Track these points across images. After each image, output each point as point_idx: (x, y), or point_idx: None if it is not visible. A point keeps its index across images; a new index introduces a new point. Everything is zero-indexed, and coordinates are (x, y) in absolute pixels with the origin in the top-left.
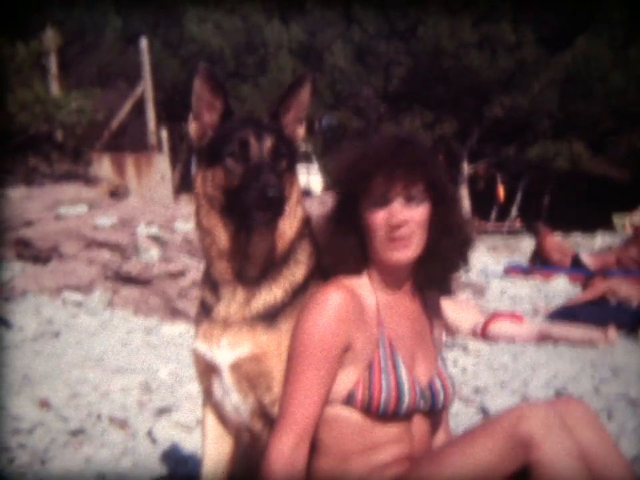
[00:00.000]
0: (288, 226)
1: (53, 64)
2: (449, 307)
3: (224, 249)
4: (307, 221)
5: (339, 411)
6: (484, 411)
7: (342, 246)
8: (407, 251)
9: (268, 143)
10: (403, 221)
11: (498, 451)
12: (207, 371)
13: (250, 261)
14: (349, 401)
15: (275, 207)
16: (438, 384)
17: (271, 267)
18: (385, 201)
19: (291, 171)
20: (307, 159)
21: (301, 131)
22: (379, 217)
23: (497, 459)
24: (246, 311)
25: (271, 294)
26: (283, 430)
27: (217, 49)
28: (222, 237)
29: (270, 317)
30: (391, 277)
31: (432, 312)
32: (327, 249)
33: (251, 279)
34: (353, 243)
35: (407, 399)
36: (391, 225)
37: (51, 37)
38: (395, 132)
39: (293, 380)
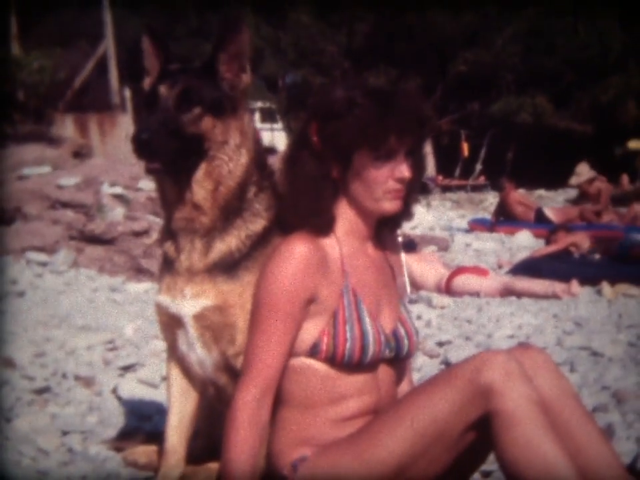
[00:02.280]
0: (226, 171)
1: (13, 24)
2: (413, 261)
3: (169, 197)
4: (266, 174)
5: (304, 362)
6: (448, 364)
7: (314, 199)
8: (400, 202)
9: (175, 89)
10: (409, 176)
11: (458, 400)
12: (170, 324)
13: (197, 210)
14: (313, 351)
15: (149, 150)
16: (402, 331)
17: (224, 217)
18: (391, 155)
19: (222, 115)
20: (270, 116)
21: (245, 77)
22: (384, 171)
23: (456, 408)
24: (206, 261)
25: (224, 243)
26: (247, 381)
27: (180, 6)
28: (164, 184)
29: (229, 267)
30: (360, 227)
31: (394, 260)
32: (294, 204)
33: (206, 228)
34: (329, 196)
35: (371, 347)
36: (398, 179)
37: None
38: (405, 85)
39: (256, 331)
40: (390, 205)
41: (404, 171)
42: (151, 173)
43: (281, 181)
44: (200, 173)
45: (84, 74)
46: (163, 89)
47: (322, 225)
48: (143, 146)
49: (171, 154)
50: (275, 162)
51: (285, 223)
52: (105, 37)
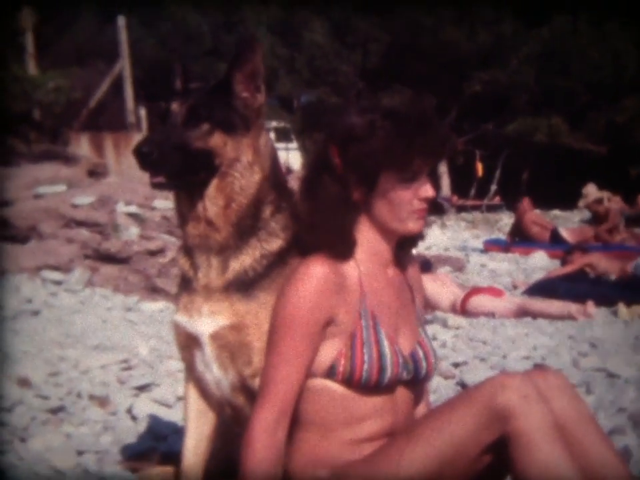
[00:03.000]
0: (238, 188)
1: (29, 43)
2: (428, 282)
3: (184, 213)
4: (285, 194)
5: (321, 383)
6: (463, 385)
7: (337, 223)
8: (423, 222)
9: (183, 107)
10: (433, 195)
11: (475, 422)
12: (187, 343)
13: (211, 226)
14: (330, 372)
15: (151, 164)
16: (420, 353)
17: (238, 235)
18: (416, 176)
19: (233, 132)
20: (285, 135)
21: (260, 97)
22: (409, 192)
23: (474, 430)
24: (222, 279)
25: (238, 262)
26: (264, 402)
27: (195, 27)
28: (180, 200)
29: (245, 286)
30: (380, 248)
31: (413, 280)
32: (315, 227)
33: (220, 246)
34: (351, 219)
35: (389, 369)
36: (423, 198)
37: (27, 16)
38: (421, 105)
39: (273, 352)
40: (415, 225)
41: (429, 190)
42: (155, 187)
43: (300, 203)
44: (211, 189)
45: (100, 93)
46: (174, 106)
47: (344, 250)
48: (143, 159)
49: (177, 168)
50: (290, 182)
51: (303, 244)
52: (121, 57)
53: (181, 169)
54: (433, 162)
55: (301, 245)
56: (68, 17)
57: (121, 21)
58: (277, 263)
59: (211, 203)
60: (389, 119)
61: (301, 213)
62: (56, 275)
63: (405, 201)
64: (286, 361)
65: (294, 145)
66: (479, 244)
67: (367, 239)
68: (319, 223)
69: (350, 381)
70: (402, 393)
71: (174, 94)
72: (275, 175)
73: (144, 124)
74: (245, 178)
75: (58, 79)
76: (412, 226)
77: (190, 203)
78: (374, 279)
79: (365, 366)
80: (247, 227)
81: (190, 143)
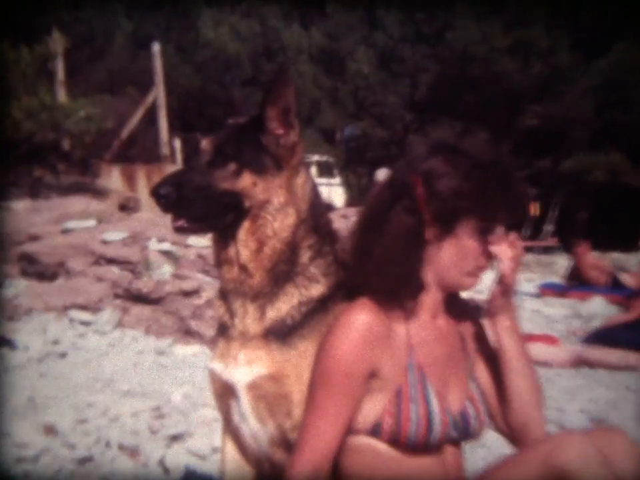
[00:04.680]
0: (271, 231)
1: (59, 69)
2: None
3: (219, 256)
4: (328, 238)
5: (365, 441)
6: None
7: (406, 261)
8: (477, 280)
9: (208, 145)
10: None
11: None
12: (224, 393)
13: (244, 271)
14: (374, 431)
15: (171, 206)
16: (470, 411)
17: (273, 280)
18: (493, 230)
19: (264, 172)
20: (328, 170)
21: (293, 134)
22: (481, 245)
23: None
24: (260, 327)
25: (274, 309)
26: (300, 458)
27: (233, 54)
28: (214, 242)
29: (283, 334)
30: (433, 297)
31: (464, 329)
32: (379, 267)
33: (254, 292)
34: (421, 259)
35: (437, 429)
36: (490, 256)
37: (57, 41)
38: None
39: (312, 405)
40: (470, 282)
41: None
42: (178, 231)
43: (352, 244)
44: (242, 232)
45: (132, 123)
46: (204, 143)
47: (411, 294)
48: (161, 201)
49: (199, 211)
50: (332, 220)
51: (349, 289)
52: (155, 85)
53: (205, 212)
54: (511, 217)
55: (348, 290)
56: (100, 42)
57: (156, 47)
58: (318, 310)
59: (243, 247)
60: (482, 165)
61: (356, 250)
62: (84, 315)
63: (475, 253)
64: (325, 415)
65: (336, 180)
66: (533, 288)
67: (427, 288)
68: (383, 259)
69: (396, 440)
70: (451, 452)
71: (212, 127)
72: (314, 216)
73: (178, 156)
74: (277, 221)
75: (89, 107)
76: (468, 281)
77: (223, 246)
78: (422, 330)
79: (412, 425)
80: (282, 273)
81: (215, 184)
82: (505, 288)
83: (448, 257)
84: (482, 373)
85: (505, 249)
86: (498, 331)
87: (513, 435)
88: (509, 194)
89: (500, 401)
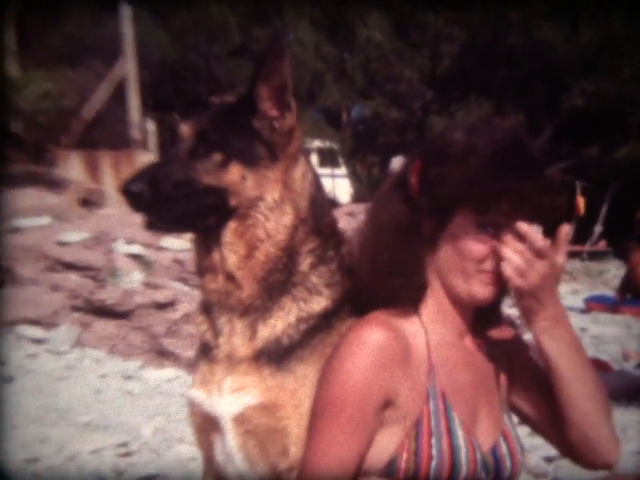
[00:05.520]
0: (263, 234)
1: (10, 37)
2: None
3: (200, 263)
4: (332, 241)
5: None
6: None
7: (401, 255)
8: (495, 289)
9: (189, 131)
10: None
11: None
12: (205, 427)
13: (231, 281)
14: (389, 470)
15: (142, 205)
16: (504, 448)
17: (266, 293)
18: (498, 227)
19: (255, 163)
20: (331, 159)
21: (290, 117)
22: (484, 247)
23: None
24: (250, 348)
25: (268, 327)
26: None
27: (218, 19)
28: (196, 246)
29: (278, 357)
30: (451, 309)
31: (499, 355)
32: (374, 264)
33: (244, 306)
34: (420, 254)
35: (464, 468)
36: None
37: (7, 5)
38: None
39: (315, 443)
40: (482, 290)
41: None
42: (149, 228)
43: (357, 246)
44: (228, 235)
45: (96, 101)
46: (184, 128)
47: (410, 290)
48: (133, 200)
49: (177, 211)
50: (337, 218)
51: (358, 300)
52: (124, 56)
53: (184, 213)
54: (526, 213)
55: (356, 303)
56: (59, 6)
57: (125, 11)
58: (321, 328)
59: (229, 252)
60: (492, 148)
61: (360, 251)
62: (36, 332)
63: (474, 253)
64: (329, 455)
65: (342, 170)
66: (578, 302)
67: (435, 296)
68: (380, 254)
69: None
70: None
71: (192, 107)
72: (316, 215)
73: (152, 140)
74: (271, 221)
75: (44, 82)
76: (477, 289)
77: (206, 249)
78: (446, 350)
79: (433, 463)
80: (277, 283)
81: (196, 179)
82: (519, 291)
83: (447, 256)
84: (525, 395)
85: (508, 241)
86: (537, 337)
87: (578, 453)
88: (517, 182)
89: (555, 418)
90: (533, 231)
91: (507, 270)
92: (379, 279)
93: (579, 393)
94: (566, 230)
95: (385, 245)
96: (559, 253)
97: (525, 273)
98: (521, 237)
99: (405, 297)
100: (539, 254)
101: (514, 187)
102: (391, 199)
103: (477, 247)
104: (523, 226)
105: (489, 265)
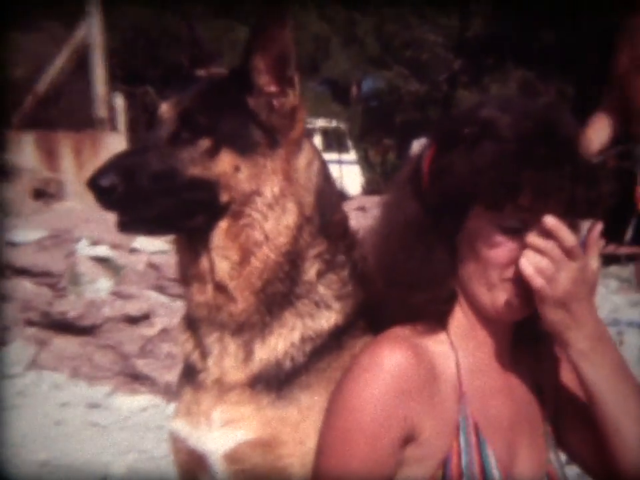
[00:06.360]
0: (261, 235)
1: None
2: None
3: (184, 271)
4: (343, 243)
5: None
6: None
7: (415, 258)
8: (524, 300)
9: (170, 112)
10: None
11: None
12: (191, 466)
13: (222, 292)
14: None
15: (114, 202)
16: None
17: (265, 307)
18: (522, 227)
19: (251, 150)
20: (338, 141)
21: (293, 94)
22: (506, 250)
23: None
24: (244, 372)
25: (266, 348)
26: None
27: None
28: (179, 249)
29: (278, 383)
30: (483, 331)
31: (544, 381)
32: (387, 269)
33: (237, 322)
34: (441, 257)
35: None
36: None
37: None
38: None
39: None
40: (507, 301)
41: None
42: (122, 228)
43: (373, 242)
44: (219, 237)
45: (53, 71)
46: (164, 108)
47: (436, 303)
48: (103, 195)
49: (157, 210)
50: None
51: (376, 316)
52: (87, 16)
53: (165, 211)
54: (553, 208)
55: (372, 316)
56: None
57: None
58: (330, 349)
59: (220, 258)
60: (517, 129)
61: (375, 247)
62: None
63: (496, 262)
64: None
65: (350, 155)
66: (638, 315)
67: (464, 310)
68: (396, 260)
69: None
70: None
71: (172, 80)
72: (324, 212)
73: (121, 119)
74: (270, 220)
75: None
76: (502, 300)
77: (191, 254)
78: (479, 373)
79: None
80: (278, 295)
81: (180, 170)
82: (544, 299)
83: (467, 262)
84: (576, 428)
85: (531, 239)
86: (574, 362)
87: None
88: (537, 174)
89: (601, 451)
90: (564, 228)
91: (528, 269)
92: (397, 291)
93: (628, 430)
94: (598, 229)
95: (400, 249)
96: (592, 255)
97: (552, 276)
98: (549, 235)
99: (429, 311)
100: (570, 254)
101: (534, 178)
102: (405, 193)
103: (495, 251)
104: (550, 220)
105: (508, 273)
